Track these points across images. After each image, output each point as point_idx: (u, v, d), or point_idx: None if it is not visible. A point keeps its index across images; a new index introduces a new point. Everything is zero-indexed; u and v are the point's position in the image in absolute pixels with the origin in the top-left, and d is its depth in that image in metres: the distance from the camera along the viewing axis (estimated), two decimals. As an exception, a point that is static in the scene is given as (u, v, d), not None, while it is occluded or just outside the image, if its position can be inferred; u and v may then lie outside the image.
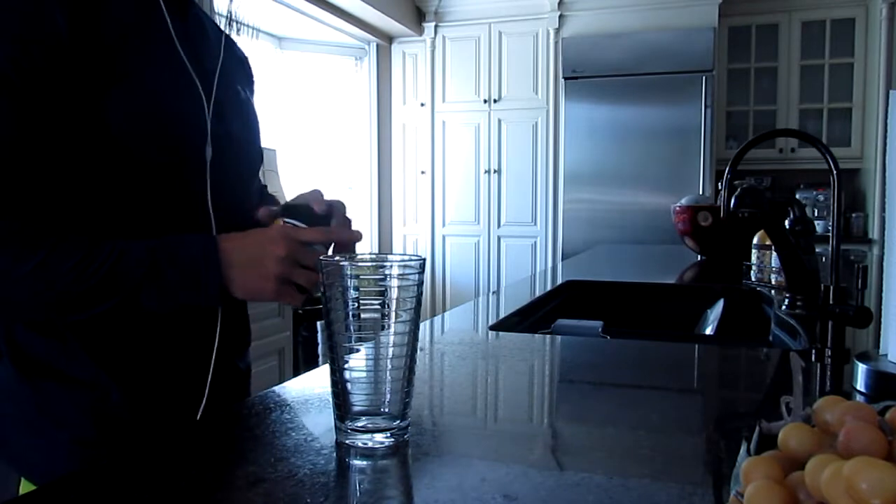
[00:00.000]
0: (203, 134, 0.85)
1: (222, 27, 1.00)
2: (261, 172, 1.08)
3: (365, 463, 0.56)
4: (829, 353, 0.89)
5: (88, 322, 0.79)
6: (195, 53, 0.87)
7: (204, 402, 0.87)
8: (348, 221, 0.90)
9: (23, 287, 0.71)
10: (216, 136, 0.87)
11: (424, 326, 1.16)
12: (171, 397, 0.85)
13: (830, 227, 0.96)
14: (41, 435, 0.80)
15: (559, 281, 1.77)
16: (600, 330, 1.30)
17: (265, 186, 1.16)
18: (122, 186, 0.79)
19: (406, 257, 0.60)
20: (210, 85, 0.88)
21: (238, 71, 1.00)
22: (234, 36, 1.02)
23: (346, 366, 0.58)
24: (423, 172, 5.00)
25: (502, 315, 1.28)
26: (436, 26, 4.89)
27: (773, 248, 1.55)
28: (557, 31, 4.62)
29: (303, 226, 0.84)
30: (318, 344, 3.67)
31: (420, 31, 4.92)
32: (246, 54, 1.07)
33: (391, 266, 0.59)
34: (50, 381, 0.80)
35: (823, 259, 1.99)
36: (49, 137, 0.74)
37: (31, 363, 0.81)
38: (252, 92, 1.05)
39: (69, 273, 0.72)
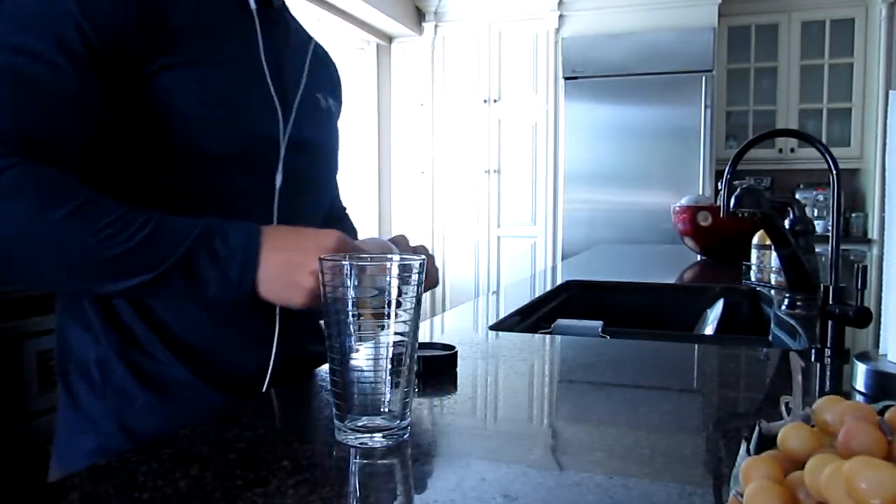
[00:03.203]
0: (274, 135, 0.83)
1: None
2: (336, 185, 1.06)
3: (365, 463, 0.56)
4: (829, 353, 0.89)
5: (125, 323, 0.78)
6: (275, 56, 0.85)
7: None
8: (433, 269, 0.87)
9: (48, 237, 0.65)
10: (290, 141, 0.85)
11: (424, 326, 1.15)
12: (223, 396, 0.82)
13: (830, 227, 0.96)
14: (74, 439, 0.80)
15: (559, 281, 1.77)
16: (600, 330, 1.30)
17: (345, 208, 1.13)
18: (181, 181, 0.78)
19: (406, 257, 0.60)
20: (288, 89, 0.86)
21: (322, 78, 0.97)
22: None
23: (345, 366, 0.58)
24: (422, 172, 5.00)
25: (502, 315, 1.28)
26: (436, 26, 4.89)
27: (773, 248, 1.55)
28: (557, 31, 4.62)
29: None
30: (317, 344, 3.66)
31: (420, 31, 4.92)
32: (334, 62, 1.05)
33: (391, 266, 0.59)
34: (83, 384, 0.80)
35: (823, 259, 1.99)
36: (102, 109, 0.73)
37: (71, 366, 0.81)
38: (338, 101, 1.02)
39: (102, 230, 0.66)
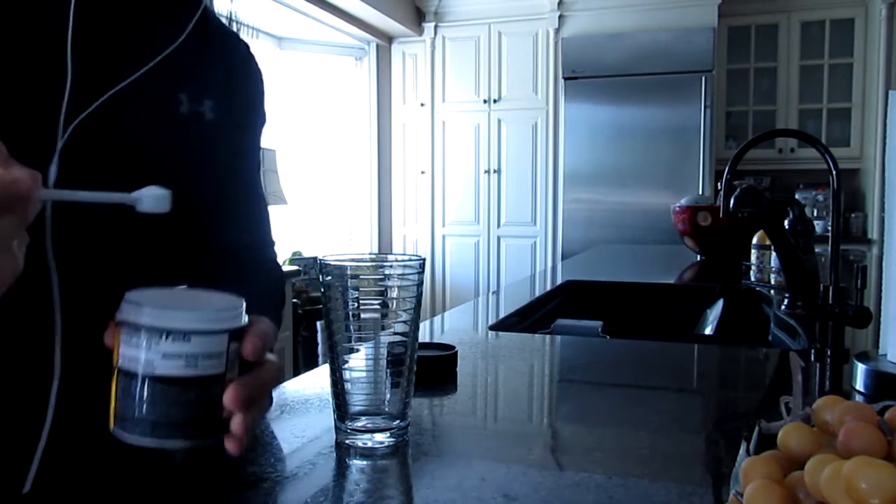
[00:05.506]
0: (41, 135, 0.59)
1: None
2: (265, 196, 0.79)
3: (365, 463, 0.56)
4: (829, 353, 0.89)
5: None
6: (105, 38, 0.64)
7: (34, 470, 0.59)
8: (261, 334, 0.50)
9: None
10: (85, 147, 0.60)
11: (424, 326, 1.16)
12: None
13: (830, 227, 0.96)
14: None
15: (559, 281, 1.77)
16: (600, 330, 1.30)
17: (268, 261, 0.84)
18: None
19: (406, 257, 0.60)
20: (105, 77, 0.63)
21: (199, 77, 0.72)
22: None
23: (345, 366, 0.58)
24: (422, 172, 5.00)
25: (502, 315, 1.28)
26: (436, 26, 4.89)
27: (773, 248, 1.55)
28: (557, 31, 4.62)
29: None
30: (317, 344, 3.67)
31: (420, 32, 4.92)
32: (253, 59, 0.82)
33: (391, 266, 0.59)
34: None
35: (823, 259, 1.99)
36: None
37: None
38: (226, 108, 0.74)
39: None
